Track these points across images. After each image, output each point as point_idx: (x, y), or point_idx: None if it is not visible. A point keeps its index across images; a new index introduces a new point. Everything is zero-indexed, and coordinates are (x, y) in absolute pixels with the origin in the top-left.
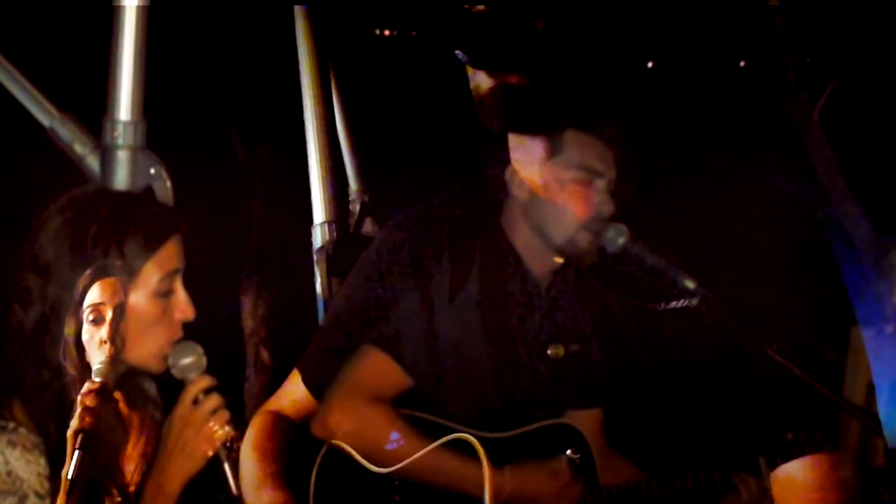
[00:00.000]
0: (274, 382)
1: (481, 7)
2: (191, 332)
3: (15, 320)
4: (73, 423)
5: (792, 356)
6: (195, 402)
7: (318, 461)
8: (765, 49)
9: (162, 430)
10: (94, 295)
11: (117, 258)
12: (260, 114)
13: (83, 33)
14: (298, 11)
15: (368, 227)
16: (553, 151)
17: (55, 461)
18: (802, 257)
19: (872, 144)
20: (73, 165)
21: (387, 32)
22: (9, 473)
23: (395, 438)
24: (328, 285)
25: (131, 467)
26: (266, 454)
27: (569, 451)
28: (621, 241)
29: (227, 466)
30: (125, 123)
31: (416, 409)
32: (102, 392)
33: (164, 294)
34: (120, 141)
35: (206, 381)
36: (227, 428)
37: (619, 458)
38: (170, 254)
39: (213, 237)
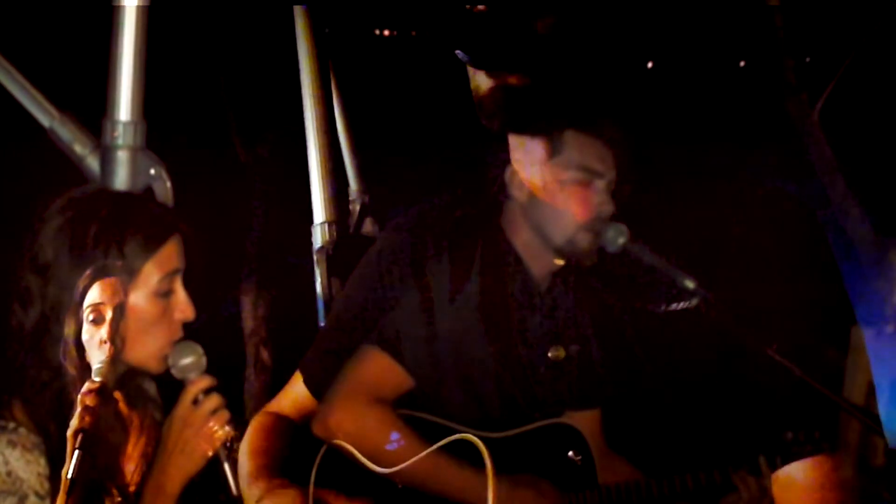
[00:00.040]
0: (274, 382)
1: (482, 7)
2: (191, 332)
3: (15, 320)
4: (73, 423)
5: (792, 356)
6: (195, 402)
7: (317, 461)
8: (765, 49)
9: (162, 430)
10: (94, 295)
11: (117, 258)
12: (260, 114)
13: (83, 33)
14: (298, 11)
15: (368, 227)
16: (553, 152)
17: (55, 461)
18: (802, 257)
19: (872, 144)
20: (73, 165)
21: (387, 32)
22: (9, 473)
23: (395, 439)
24: (328, 285)
25: (131, 467)
26: (259, 451)
27: (571, 453)
28: (621, 241)
29: (226, 466)
30: (125, 124)
31: (415, 409)
32: (102, 392)
33: (164, 294)
34: (120, 141)
35: (206, 382)
36: (226, 428)
37: (618, 458)
38: (170, 254)
39: (213, 237)
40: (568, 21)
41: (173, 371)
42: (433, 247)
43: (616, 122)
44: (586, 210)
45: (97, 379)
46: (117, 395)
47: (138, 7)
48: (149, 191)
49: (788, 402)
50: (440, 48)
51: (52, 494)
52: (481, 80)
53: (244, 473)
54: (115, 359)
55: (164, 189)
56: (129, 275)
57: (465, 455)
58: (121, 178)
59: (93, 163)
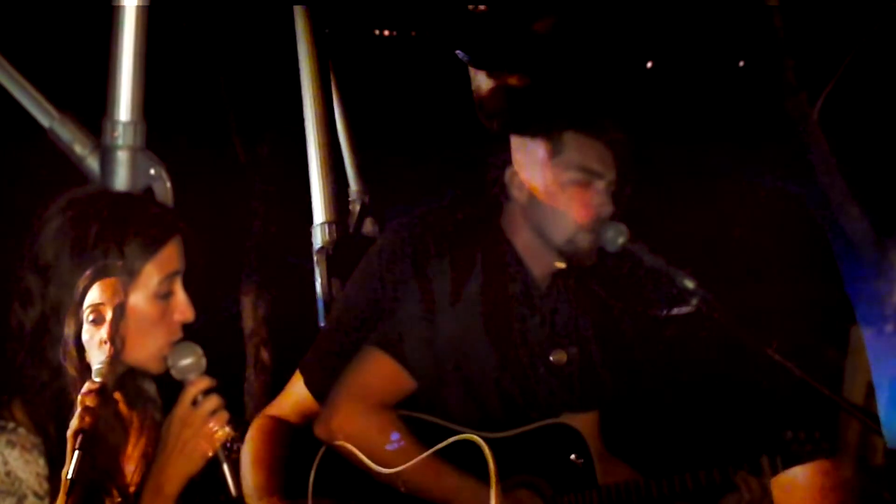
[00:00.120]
0: (274, 382)
1: (482, 7)
2: (191, 332)
3: (15, 320)
4: (73, 423)
5: (792, 356)
6: (194, 402)
7: (316, 462)
8: (765, 49)
9: (161, 430)
10: (94, 295)
11: (117, 259)
12: (260, 114)
13: (83, 33)
14: (298, 11)
15: (368, 227)
16: (553, 153)
17: (55, 461)
18: (802, 257)
19: (872, 144)
20: (73, 165)
21: (387, 32)
22: (8, 474)
23: (395, 439)
24: (328, 285)
25: (131, 467)
26: (264, 463)
27: (573, 456)
28: (621, 241)
29: (226, 467)
30: (125, 124)
31: (416, 410)
32: (102, 392)
33: (164, 295)
34: (120, 141)
35: (206, 382)
36: (226, 429)
37: (616, 460)
38: (170, 255)
39: (213, 237)
40: (568, 21)
41: (173, 372)
42: (434, 247)
43: (616, 123)
44: (586, 211)
45: (97, 379)
46: (117, 395)
47: (138, 7)
48: (149, 191)
49: (788, 402)
50: (440, 48)
51: (51, 495)
52: (482, 81)
53: (250, 486)
54: (114, 359)
55: (164, 189)
56: (130, 275)
57: (464, 456)
58: (121, 179)
59: (93, 163)
